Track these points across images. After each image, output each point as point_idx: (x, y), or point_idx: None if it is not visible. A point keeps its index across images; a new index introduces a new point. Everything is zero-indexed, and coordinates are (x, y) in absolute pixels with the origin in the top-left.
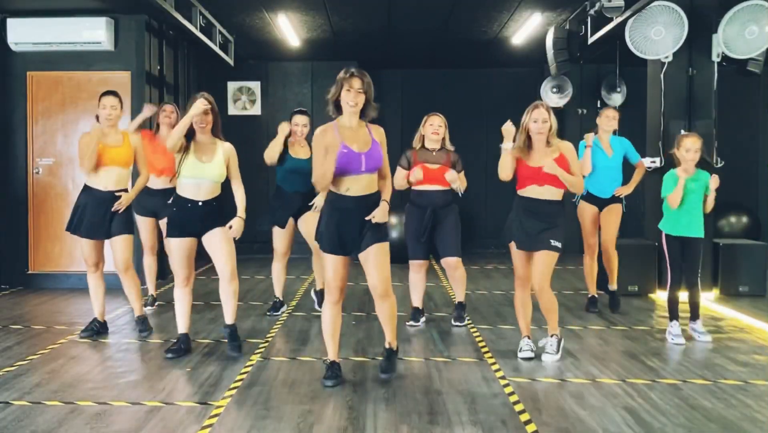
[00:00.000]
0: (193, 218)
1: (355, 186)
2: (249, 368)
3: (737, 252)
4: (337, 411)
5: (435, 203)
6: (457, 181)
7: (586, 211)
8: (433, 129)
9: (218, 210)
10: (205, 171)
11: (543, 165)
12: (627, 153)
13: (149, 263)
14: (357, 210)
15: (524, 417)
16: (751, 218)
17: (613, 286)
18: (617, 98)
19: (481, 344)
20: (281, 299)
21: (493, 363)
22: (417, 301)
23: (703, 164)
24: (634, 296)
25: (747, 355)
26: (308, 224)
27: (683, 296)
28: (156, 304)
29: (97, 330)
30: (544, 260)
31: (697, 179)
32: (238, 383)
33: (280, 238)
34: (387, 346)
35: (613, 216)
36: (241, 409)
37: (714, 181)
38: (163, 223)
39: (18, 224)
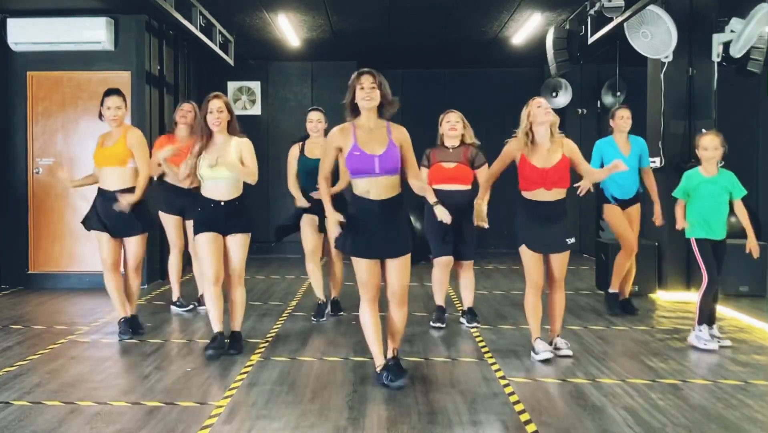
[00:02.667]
0: (217, 218)
1: (375, 189)
2: (249, 368)
3: (737, 252)
4: (337, 411)
5: (455, 203)
6: (480, 220)
7: (615, 211)
8: (450, 126)
9: (240, 211)
10: (220, 170)
11: (549, 167)
12: (641, 154)
13: (174, 262)
14: (381, 213)
15: (524, 417)
16: (751, 218)
17: (615, 288)
18: (613, 101)
19: (481, 344)
20: (324, 300)
21: (493, 363)
22: (441, 300)
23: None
24: (634, 296)
25: (747, 355)
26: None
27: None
28: (179, 304)
29: (130, 328)
30: (564, 259)
31: (717, 181)
32: (238, 383)
33: (308, 237)
34: (392, 354)
35: (634, 217)
36: (241, 409)
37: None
38: (189, 223)
39: (18, 224)
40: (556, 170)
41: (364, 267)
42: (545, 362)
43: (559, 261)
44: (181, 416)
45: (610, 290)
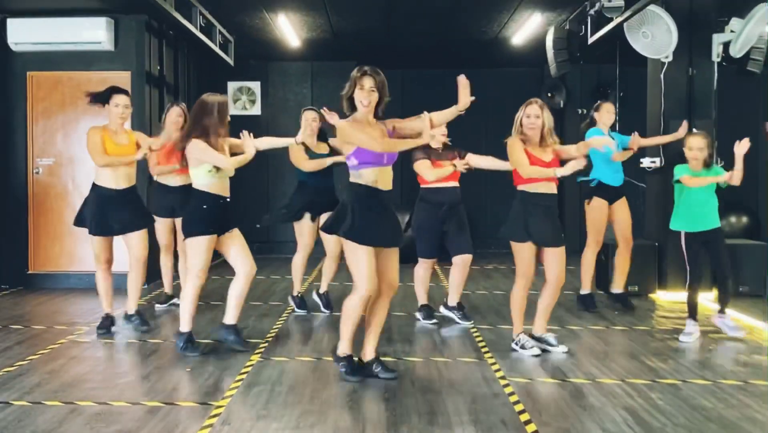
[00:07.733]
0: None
1: (383, 178)
2: (249, 368)
3: (737, 252)
4: (337, 411)
5: (450, 200)
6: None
7: (600, 207)
8: None
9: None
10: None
11: (550, 161)
12: (620, 142)
13: (165, 262)
14: (387, 204)
15: (524, 417)
16: (751, 218)
17: (620, 288)
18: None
19: (481, 344)
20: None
21: (493, 363)
22: (425, 298)
23: (708, 165)
24: (634, 296)
25: (747, 355)
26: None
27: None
28: (170, 303)
29: (110, 325)
30: (563, 253)
31: (705, 173)
32: (238, 383)
33: (308, 232)
34: (375, 355)
35: (624, 211)
36: (241, 409)
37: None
38: (179, 221)
39: (18, 224)
40: (554, 164)
41: (367, 258)
42: (537, 356)
43: (560, 254)
44: (181, 416)
45: (614, 290)
